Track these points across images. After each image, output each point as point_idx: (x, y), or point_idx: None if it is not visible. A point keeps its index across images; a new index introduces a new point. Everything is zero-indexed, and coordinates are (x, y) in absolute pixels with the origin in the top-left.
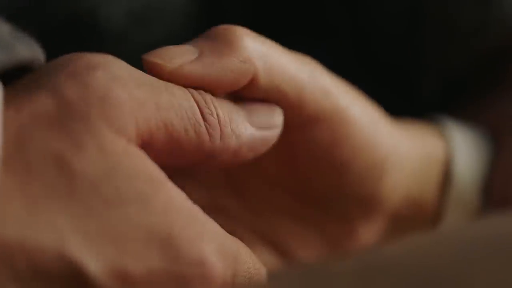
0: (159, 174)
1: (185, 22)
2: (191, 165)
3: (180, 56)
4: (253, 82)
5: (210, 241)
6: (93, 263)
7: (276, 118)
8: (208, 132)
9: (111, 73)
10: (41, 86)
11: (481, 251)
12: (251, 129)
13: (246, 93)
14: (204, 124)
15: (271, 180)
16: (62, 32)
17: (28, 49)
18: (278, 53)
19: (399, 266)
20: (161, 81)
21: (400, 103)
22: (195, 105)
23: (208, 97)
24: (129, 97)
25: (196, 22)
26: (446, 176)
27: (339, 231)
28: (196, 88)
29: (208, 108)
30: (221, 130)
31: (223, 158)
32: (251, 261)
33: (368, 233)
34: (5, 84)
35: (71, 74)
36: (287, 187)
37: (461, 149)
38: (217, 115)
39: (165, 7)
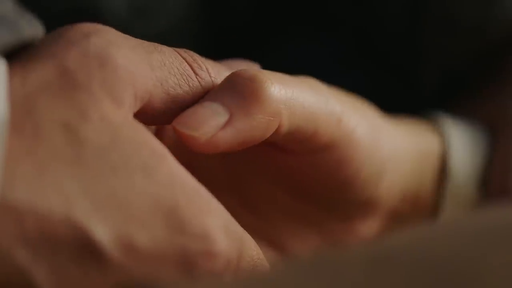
0: (161, 148)
1: (187, 14)
2: None
3: (210, 122)
4: (276, 130)
5: (215, 218)
6: (100, 229)
7: (254, 67)
8: (201, 85)
9: (105, 38)
10: (43, 56)
11: (490, 240)
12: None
13: (267, 140)
14: (196, 78)
15: (273, 182)
16: (64, 24)
17: (31, 27)
18: (298, 92)
19: (407, 256)
20: (148, 42)
21: (400, 96)
22: (184, 61)
23: (194, 54)
24: (126, 61)
25: (199, 14)
26: (442, 171)
27: (339, 230)
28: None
29: (197, 63)
30: (212, 81)
31: None
32: (256, 250)
33: (367, 230)
34: (8, 57)
35: (69, 42)
36: (289, 190)
37: (457, 143)
38: (206, 68)
39: None
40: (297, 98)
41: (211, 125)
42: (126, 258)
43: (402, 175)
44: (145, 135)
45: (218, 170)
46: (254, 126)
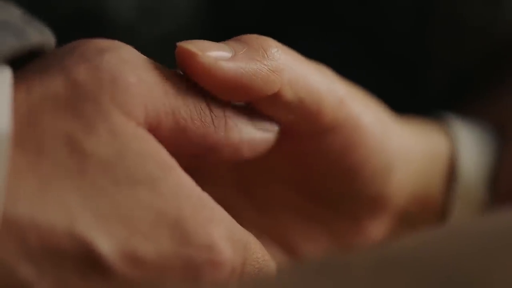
0: (169, 159)
1: (194, 15)
2: (193, 157)
3: (215, 50)
4: (277, 94)
5: (220, 227)
6: (104, 242)
7: (273, 123)
8: (214, 123)
9: (120, 56)
10: (51, 68)
11: (497, 244)
12: (252, 127)
13: (269, 104)
14: (210, 114)
15: (281, 179)
16: (70, 25)
17: (39, 34)
18: (303, 64)
19: (415, 258)
20: (168, 69)
21: (407, 97)
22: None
23: None
24: (139, 81)
25: (205, 15)
26: (451, 172)
27: (347, 229)
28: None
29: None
30: (225, 121)
31: (225, 152)
32: (261, 252)
33: (376, 230)
34: (15, 67)
35: (81, 56)
36: (297, 187)
37: (466, 144)
38: (223, 107)
39: (174, 0)
40: (300, 69)
41: (215, 53)
42: (130, 270)
43: (411, 175)
44: (153, 146)
45: (225, 170)
46: (255, 70)
